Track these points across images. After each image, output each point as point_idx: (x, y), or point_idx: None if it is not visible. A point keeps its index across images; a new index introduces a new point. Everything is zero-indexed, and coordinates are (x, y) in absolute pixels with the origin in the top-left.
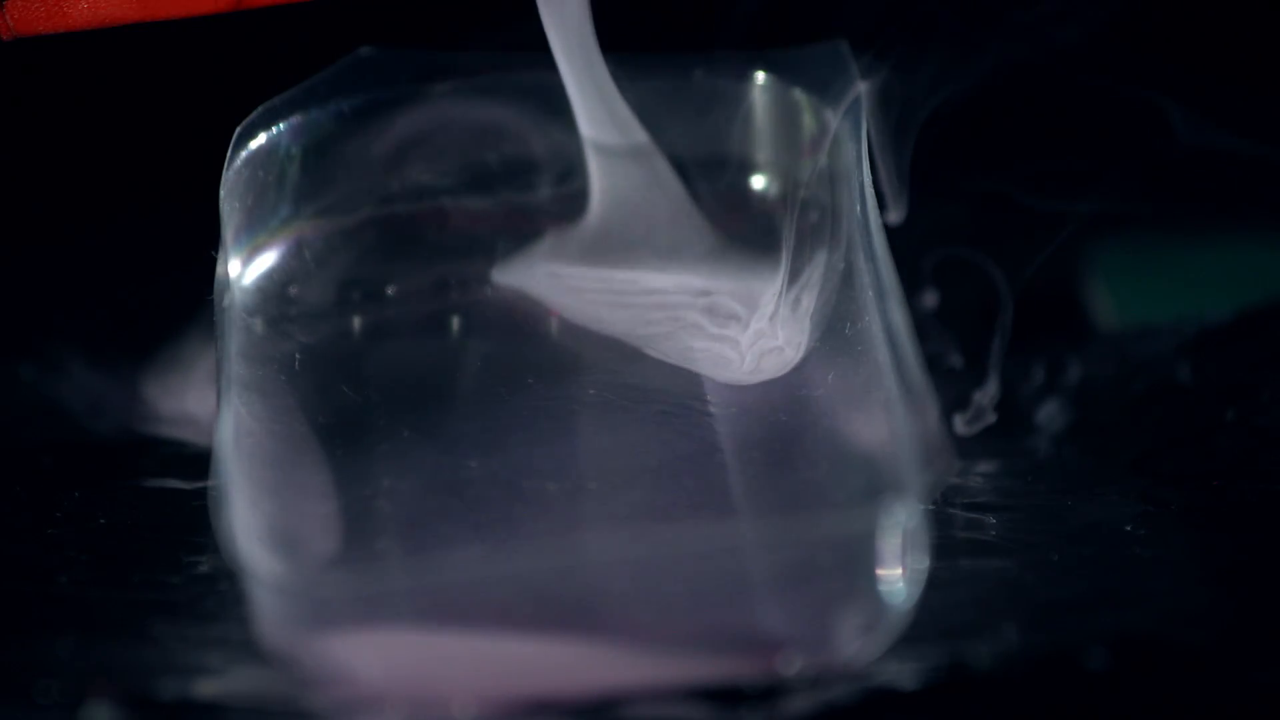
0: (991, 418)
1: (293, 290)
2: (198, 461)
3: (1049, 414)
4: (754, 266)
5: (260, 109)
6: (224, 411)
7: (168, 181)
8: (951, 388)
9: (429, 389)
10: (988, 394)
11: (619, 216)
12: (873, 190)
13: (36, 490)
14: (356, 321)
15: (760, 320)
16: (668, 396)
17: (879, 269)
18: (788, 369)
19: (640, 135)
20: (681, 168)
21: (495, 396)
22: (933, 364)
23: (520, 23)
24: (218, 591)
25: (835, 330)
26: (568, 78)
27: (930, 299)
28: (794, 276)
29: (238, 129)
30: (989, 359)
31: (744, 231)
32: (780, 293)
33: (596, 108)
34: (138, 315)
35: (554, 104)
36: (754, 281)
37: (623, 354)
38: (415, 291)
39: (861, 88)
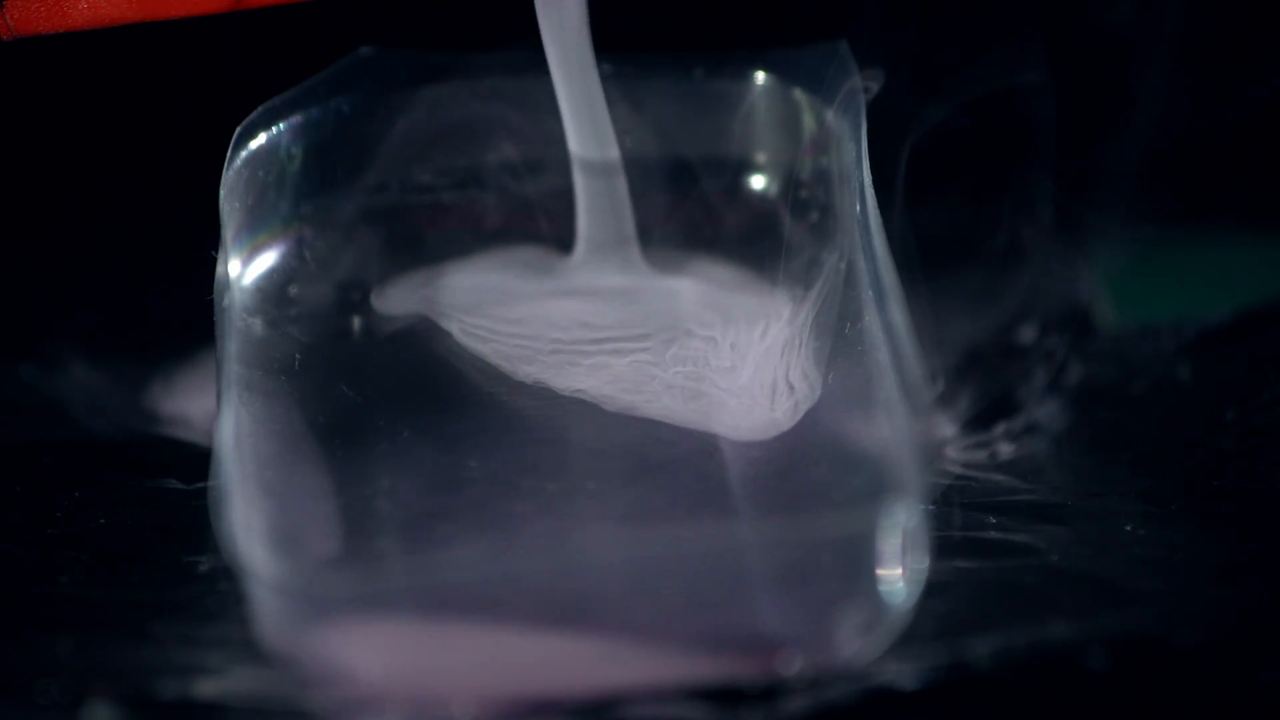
0: (1007, 449)
1: (293, 290)
2: (198, 461)
3: (1049, 414)
4: (724, 305)
5: (260, 109)
6: (224, 411)
7: (168, 181)
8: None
9: (429, 389)
10: (1013, 425)
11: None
12: (872, 190)
13: (36, 490)
14: (356, 321)
15: (751, 382)
16: None
17: (879, 269)
18: (805, 410)
19: (615, 152)
20: (682, 168)
21: (495, 396)
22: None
23: (520, 23)
24: (218, 591)
25: (835, 330)
26: (558, 81)
27: (1028, 332)
28: (795, 321)
29: (238, 129)
30: (1028, 397)
31: (743, 232)
32: (777, 349)
33: (582, 116)
34: (138, 315)
35: (554, 103)
36: (730, 329)
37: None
38: None
39: (861, 88)
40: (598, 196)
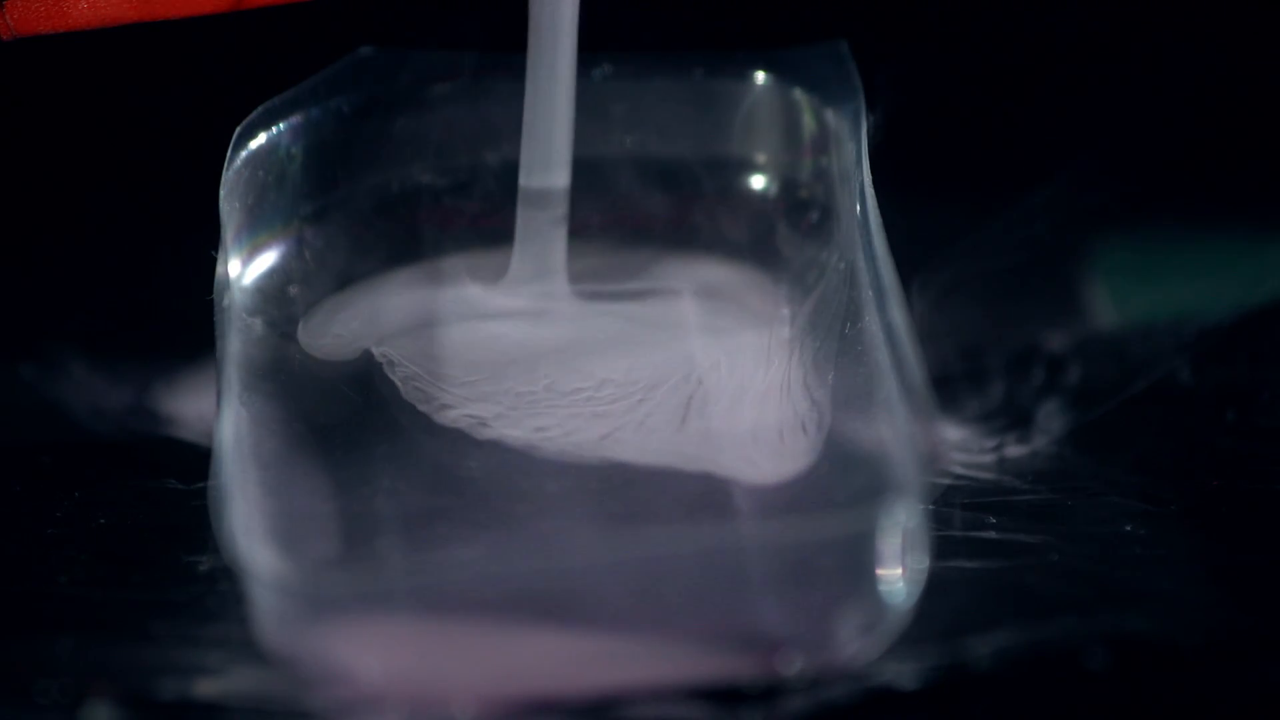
0: (1008, 449)
1: (293, 290)
2: (198, 461)
3: (1049, 414)
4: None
5: (260, 109)
6: (224, 411)
7: (168, 181)
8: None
9: (428, 388)
10: (1014, 426)
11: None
12: (872, 190)
13: (36, 490)
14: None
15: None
16: None
17: (879, 269)
18: (823, 435)
19: (563, 181)
20: (682, 168)
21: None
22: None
23: (518, 24)
24: (218, 591)
25: (835, 330)
26: (528, 97)
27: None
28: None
29: (238, 129)
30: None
31: (743, 232)
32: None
33: (538, 139)
34: (138, 315)
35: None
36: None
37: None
38: None
39: (861, 88)
40: (531, 224)
